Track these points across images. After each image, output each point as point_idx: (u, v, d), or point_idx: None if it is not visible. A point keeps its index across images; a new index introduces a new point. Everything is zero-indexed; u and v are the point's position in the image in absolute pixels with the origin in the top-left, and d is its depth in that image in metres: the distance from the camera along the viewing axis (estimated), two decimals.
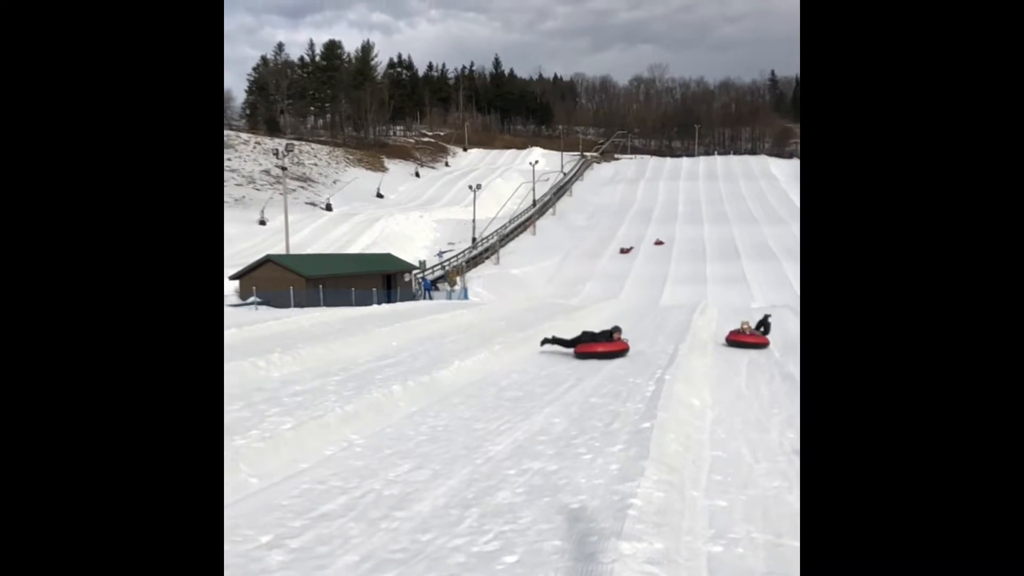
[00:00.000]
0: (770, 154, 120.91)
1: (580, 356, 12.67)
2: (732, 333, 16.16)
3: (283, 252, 42.64)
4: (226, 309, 23.02)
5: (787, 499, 5.46)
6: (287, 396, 8.54)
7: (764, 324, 16.57)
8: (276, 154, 52.68)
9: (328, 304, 29.67)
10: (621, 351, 12.87)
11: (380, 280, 41.34)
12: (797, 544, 4.50)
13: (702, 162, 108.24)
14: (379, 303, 29.66)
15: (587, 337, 13.11)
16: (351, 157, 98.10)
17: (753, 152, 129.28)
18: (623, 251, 58.38)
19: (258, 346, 12.14)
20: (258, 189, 75.00)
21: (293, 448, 6.36)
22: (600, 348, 12.71)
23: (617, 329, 13.31)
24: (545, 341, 13.66)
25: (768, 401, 9.71)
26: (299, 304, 30.37)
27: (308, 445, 6.52)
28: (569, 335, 15.34)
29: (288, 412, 7.55)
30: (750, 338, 15.76)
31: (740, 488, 5.66)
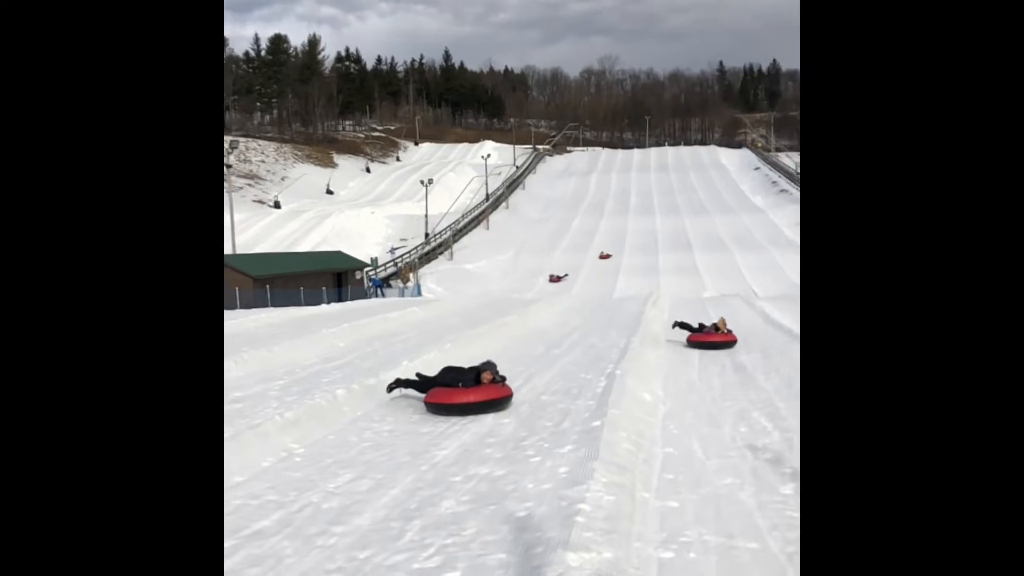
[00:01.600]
0: (719, 144, 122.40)
1: (432, 409, 8.17)
2: (694, 334, 14.05)
3: (229, 252, 41.78)
4: None
5: (739, 496, 5.33)
6: (225, 403, 8.21)
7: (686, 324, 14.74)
8: None
9: (276, 304, 29.12)
10: (495, 401, 8.17)
11: (330, 279, 40.79)
12: (750, 545, 4.38)
13: (653, 153, 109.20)
14: (329, 302, 29.20)
15: (445, 378, 8.42)
16: (299, 153, 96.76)
17: (703, 142, 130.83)
18: (553, 279, 47.88)
19: None
20: None
21: (227, 460, 6.05)
22: (459, 399, 8.04)
23: (489, 367, 8.45)
24: (394, 386, 8.88)
25: (720, 393, 9.64)
26: (246, 305, 29.77)
27: (244, 456, 6.21)
28: (516, 336, 15.20)
29: (225, 421, 7.23)
30: (715, 337, 13.86)
31: (692, 487, 5.52)
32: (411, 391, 8.87)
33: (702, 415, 8.21)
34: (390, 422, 7.84)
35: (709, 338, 13.87)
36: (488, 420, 7.78)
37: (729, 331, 14.11)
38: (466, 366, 8.68)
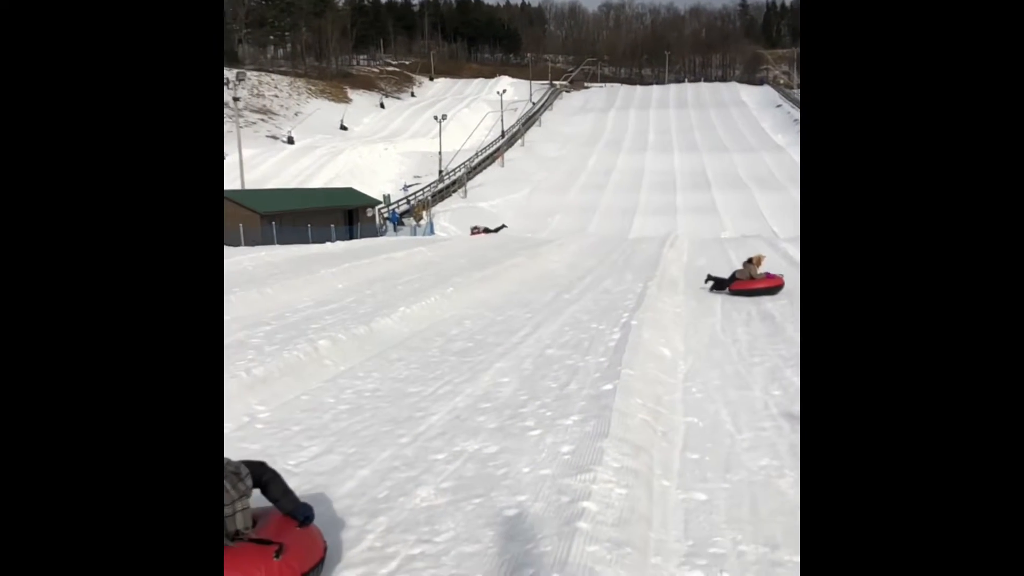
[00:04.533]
0: (740, 81, 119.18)
1: None
2: (738, 281, 12.58)
3: (237, 187, 40.81)
4: None
5: (778, 485, 4.42)
6: None
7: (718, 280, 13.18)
8: (227, 84, 50.25)
9: (282, 242, 28.20)
10: None
11: (341, 216, 39.78)
12: (796, 559, 3.47)
13: (672, 90, 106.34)
14: (338, 240, 28.25)
15: None
16: (313, 88, 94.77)
17: (724, 79, 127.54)
18: (476, 232, 35.54)
19: None
20: None
21: None
22: None
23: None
24: None
25: (747, 347, 8.68)
26: (251, 242, 28.83)
27: None
28: (525, 279, 14.37)
29: None
30: (763, 282, 12.43)
31: (721, 471, 4.60)
32: None
33: (728, 374, 7.26)
34: (375, 379, 6.95)
35: (754, 285, 12.46)
36: (486, 378, 6.88)
37: (770, 275, 12.73)
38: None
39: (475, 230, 36.08)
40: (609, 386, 6.01)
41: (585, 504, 3.66)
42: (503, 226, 38.08)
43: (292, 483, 4.40)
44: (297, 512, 3.12)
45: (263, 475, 3.05)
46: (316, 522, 3.22)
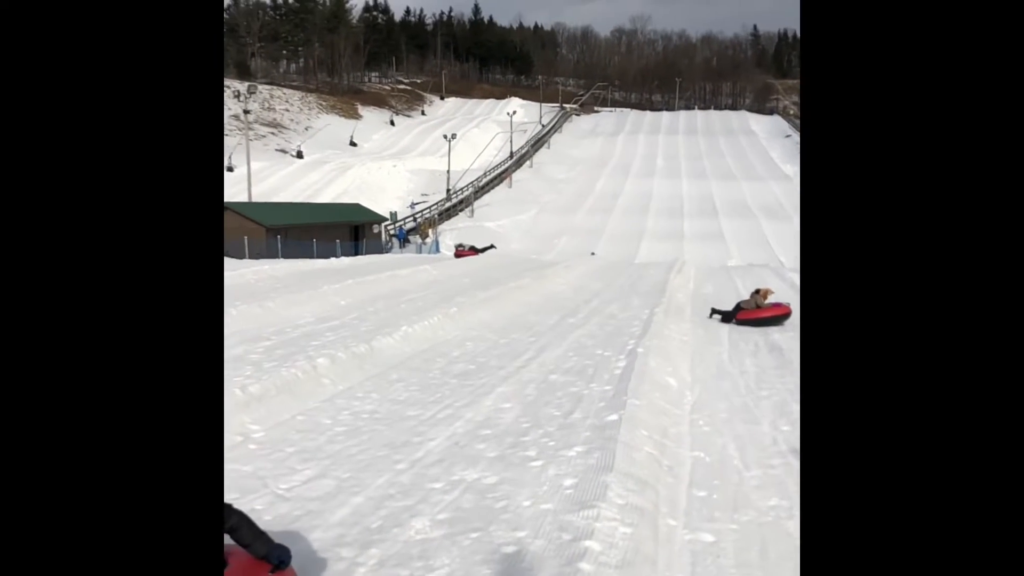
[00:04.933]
0: (750, 110, 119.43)
1: None
2: (744, 311, 12.64)
3: (244, 200, 40.79)
4: None
5: (787, 527, 4.24)
6: None
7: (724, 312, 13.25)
8: (237, 96, 50.48)
9: (287, 256, 28.12)
10: None
11: (346, 231, 39.73)
12: None
13: (682, 116, 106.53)
14: (343, 255, 28.17)
15: None
16: (324, 103, 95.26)
17: (734, 107, 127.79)
18: (461, 253, 33.08)
19: None
20: (226, 134, 72.47)
21: None
22: None
23: None
24: None
25: (755, 379, 8.51)
26: (256, 255, 28.74)
27: None
28: (529, 301, 14.24)
29: None
30: (770, 311, 12.50)
31: (729, 511, 4.42)
32: None
33: (736, 407, 7.09)
34: (374, 400, 6.78)
35: (761, 314, 12.47)
36: (487, 403, 6.71)
37: (777, 303, 12.78)
38: None
39: (460, 248, 34.86)
40: (614, 416, 5.84)
41: (588, 543, 3.49)
42: (491, 246, 36.84)
43: (282, 509, 4.26)
44: (271, 556, 2.71)
45: (228, 519, 2.66)
46: (299, 559, 3.02)
